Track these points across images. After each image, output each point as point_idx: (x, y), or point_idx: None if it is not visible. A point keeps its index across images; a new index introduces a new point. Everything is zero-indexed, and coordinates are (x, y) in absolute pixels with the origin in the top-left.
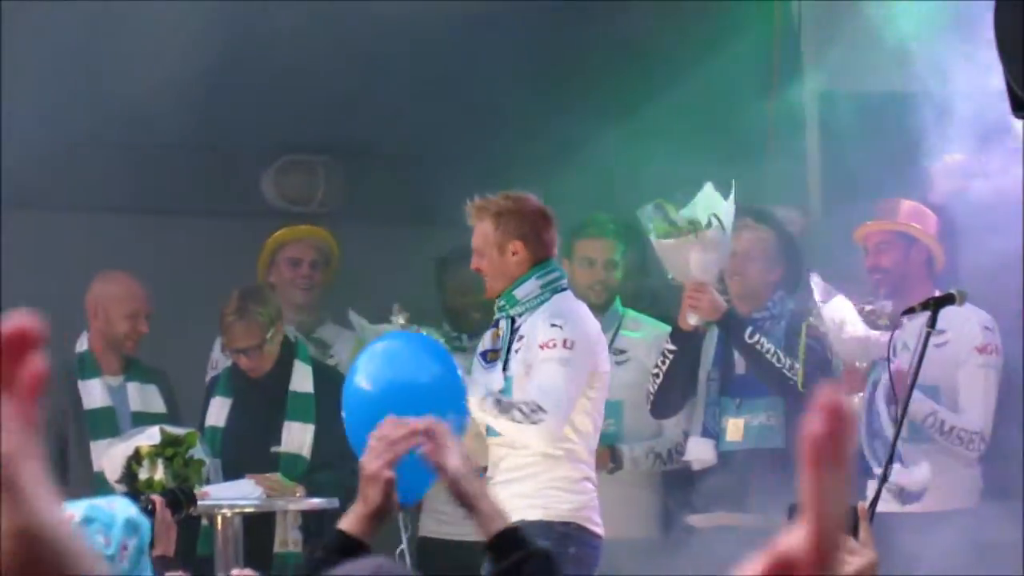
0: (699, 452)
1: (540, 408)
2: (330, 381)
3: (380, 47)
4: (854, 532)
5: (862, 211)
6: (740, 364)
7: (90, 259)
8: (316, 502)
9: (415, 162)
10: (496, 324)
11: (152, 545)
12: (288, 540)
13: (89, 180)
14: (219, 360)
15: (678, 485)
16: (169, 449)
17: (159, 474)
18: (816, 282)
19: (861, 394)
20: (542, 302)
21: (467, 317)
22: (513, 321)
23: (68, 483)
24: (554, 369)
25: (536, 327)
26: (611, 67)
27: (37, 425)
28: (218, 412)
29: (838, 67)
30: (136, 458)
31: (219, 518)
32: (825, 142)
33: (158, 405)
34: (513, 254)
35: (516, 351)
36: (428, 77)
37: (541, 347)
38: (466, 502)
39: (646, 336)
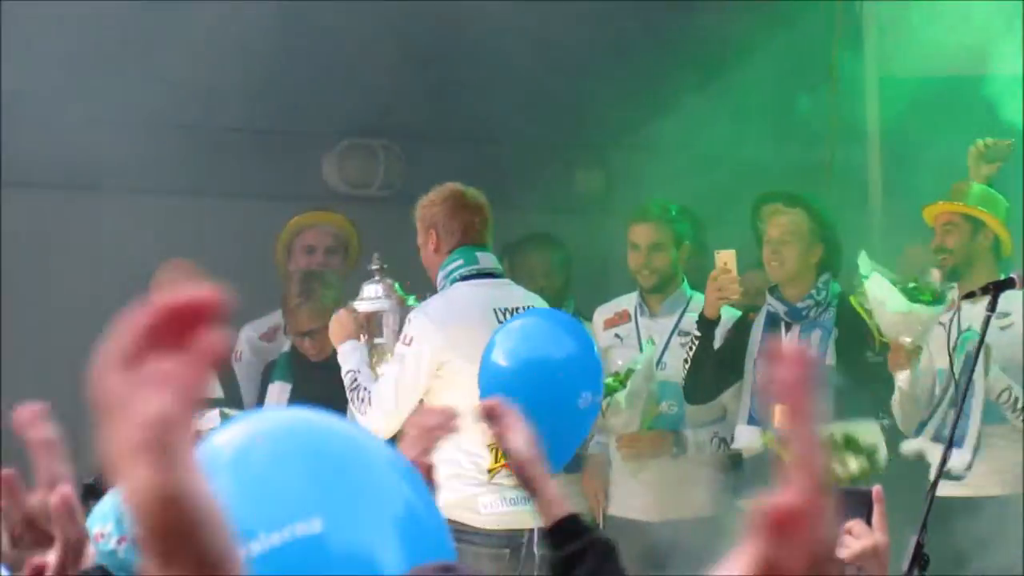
0: (746, 439)
1: (369, 401)
2: None
3: (440, 31)
4: (867, 515)
5: (924, 193)
6: None
7: (152, 243)
8: None
9: (475, 145)
10: None
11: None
12: None
13: (152, 163)
14: (243, 351)
15: (732, 466)
16: None
17: None
18: (863, 259)
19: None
20: (443, 292)
21: None
22: None
23: None
24: (391, 364)
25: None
26: (671, 54)
27: (200, 396)
28: (278, 396)
29: (900, 50)
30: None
31: None
32: (886, 125)
33: (215, 390)
34: (430, 243)
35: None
36: (488, 61)
37: (405, 344)
38: (529, 486)
39: None
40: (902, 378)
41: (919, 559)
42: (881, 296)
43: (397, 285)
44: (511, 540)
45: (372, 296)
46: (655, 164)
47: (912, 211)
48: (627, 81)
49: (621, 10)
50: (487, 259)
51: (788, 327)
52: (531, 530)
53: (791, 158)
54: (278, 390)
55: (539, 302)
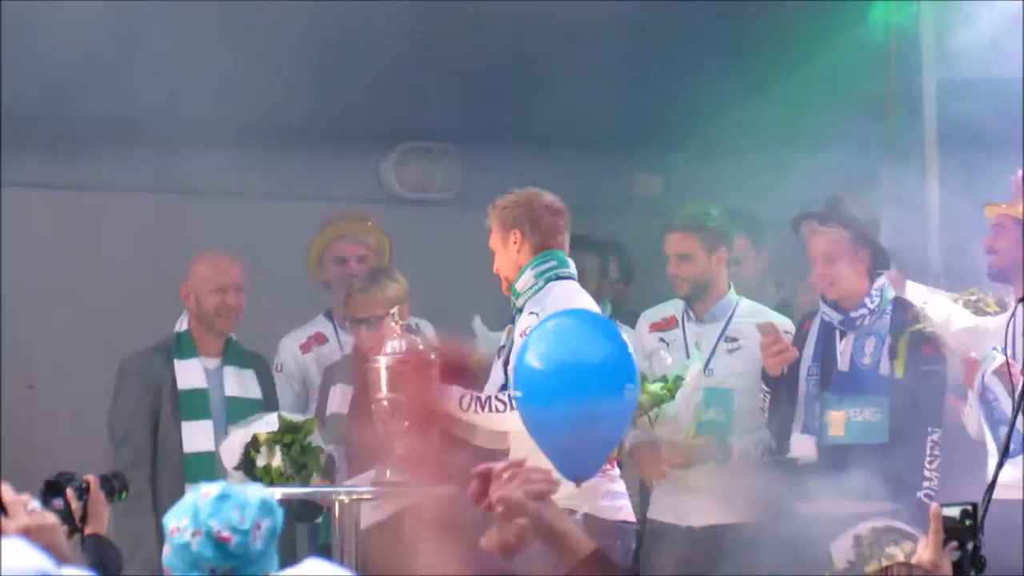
0: (801, 448)
1: (509, 400)
2: None
3: (499, 35)
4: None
5: (980, 194)
6: (843, 361)
7: (209, 245)
8: None
9: (533, 148)
10: (513, 320)
11: (85, 522)
12: None
13: (209, 167)
14: (283, 362)
15: (786, 472)
16: (287, 436)
17: (276, 461)
18: (912, 287)
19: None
20: (538, 290)
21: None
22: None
23: (156, 461)
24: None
25: (521, 319)
26: (728, 56)
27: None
28: (341, 399)
29: (958, 51)
30: (254, 444)
31: (336, 505)
32: (943, 127)
33: (254, 390)
34: (513, 243)
35: (512, 342)
36: (546, 65)
37: (520, 335)
38: (549, 532)
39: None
40: (973, 397)
41: (976, 561)
42: (944, 316)
43: (419, 340)
44: (620, 531)
45: (393, 352)
46: (712, 167)
47: (972, 212)
48: (685, 84)
49: (678, 12)
50: (572, 264)
51: (843, 335)
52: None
53: (847, 160)
54: (340, 392)
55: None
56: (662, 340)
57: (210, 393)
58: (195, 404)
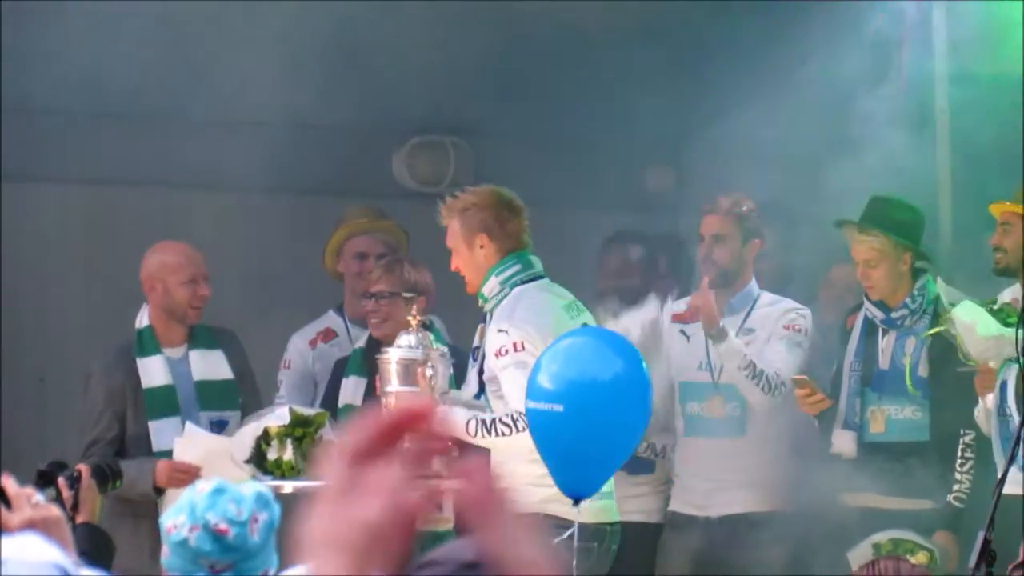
0: (841, 445)
1: (521, 414)
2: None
3: (511, 30)
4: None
5: (992, 192)
6: (884, 359)
7: (219, 238)
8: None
9: (544, 143)
10: (484, 319)
11: (77, 510)
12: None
13: (221, 160)
14: (291, 359)
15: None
16: (299, 429)
17: (288, 454)
18: (942, 286)
19: (991, 395)
20: (503, 297)
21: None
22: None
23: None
24: (514, 374)
25: (490, 333)
26: (739, 54)
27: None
28: (353, 391)
29: (968, 47)
30: (265, 438)
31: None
32: (955, 122)
33: (223, 371)
34: (480, 247)
35: (484, 352)
36: (558, 60)
37: (496, 356)
38: None
39: (772, 316)
40: (990, 400)
41: (986, 555)
42: (970, 321)
43: (433, 337)
44: (598, 534)
45: (407, 345)
46: (726, 162)
47: (981, 208)
48: (698, 80)
49: (692, 9)
50: (537, 262)
51: (885, 333)
52: (612, 524)
53: (859, 156)
54: (353, 383)
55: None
56: (682, 332)
57: (177, 386)
58: (160, 402)
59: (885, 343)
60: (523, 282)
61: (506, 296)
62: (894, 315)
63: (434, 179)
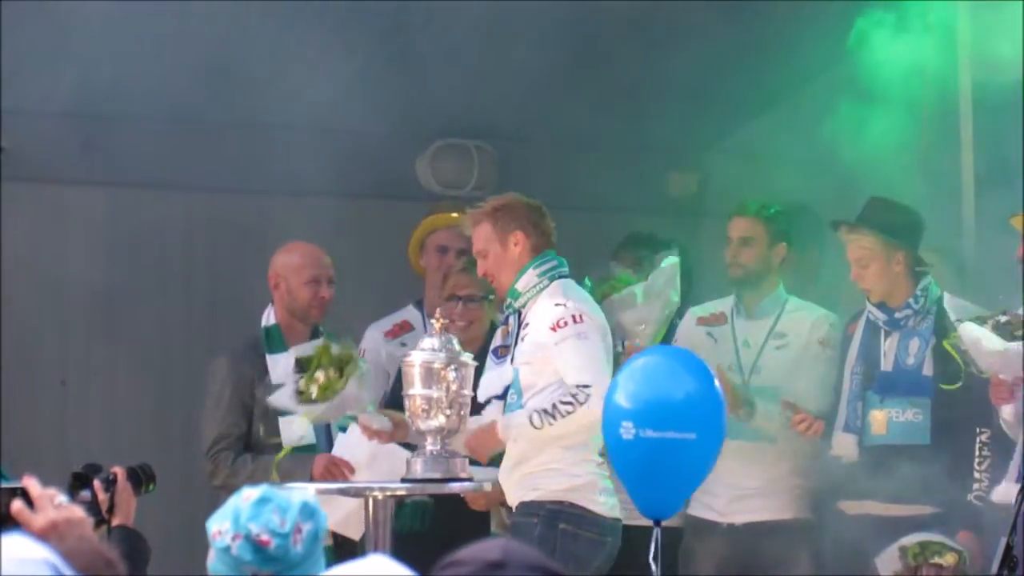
0: (842, 447)
1: (583, 386)
2: None
3: (532, 35)
4: None
5: (1016, 198)
6: (886, 361)
7: (245, 242)
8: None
9: (568, 147)
10: (506, 320)
11: (112, 513)
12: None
13: (247, 163)
14: (366, 348)
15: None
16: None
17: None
18: (949, 301)
19: (1007, 406)
20: (542, 289)
21: None
22: (520, 315)
23: (254, 453)
24: (576, 344)
25: (541, 311)
26: (760, 59)
27: None
28: None
29: (993, 53)
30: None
31: (370, 500)
32: (979, 127)
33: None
34: (515, 245)
35: (522, 339)
36: (581, 63)
37: (552, 329)
38: None
39: (803, 322)
40: (1007, 411)
41: (1008, 561)
42: (976, 335)
43: (456, 341)
44: (613, 529)
45: (430, 348)
46: (744, 166)
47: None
48: (721, 85)
49: (719, 11)
50: (566, 263)
51: (887, 335)
52: (619, 521)
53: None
54: None
55: None
56: (709, 335)
57: None
58: None
59: (888, 345)
60: (560, 277)
61: (545, 288)
62: (897, 316)
63: (458, 182)
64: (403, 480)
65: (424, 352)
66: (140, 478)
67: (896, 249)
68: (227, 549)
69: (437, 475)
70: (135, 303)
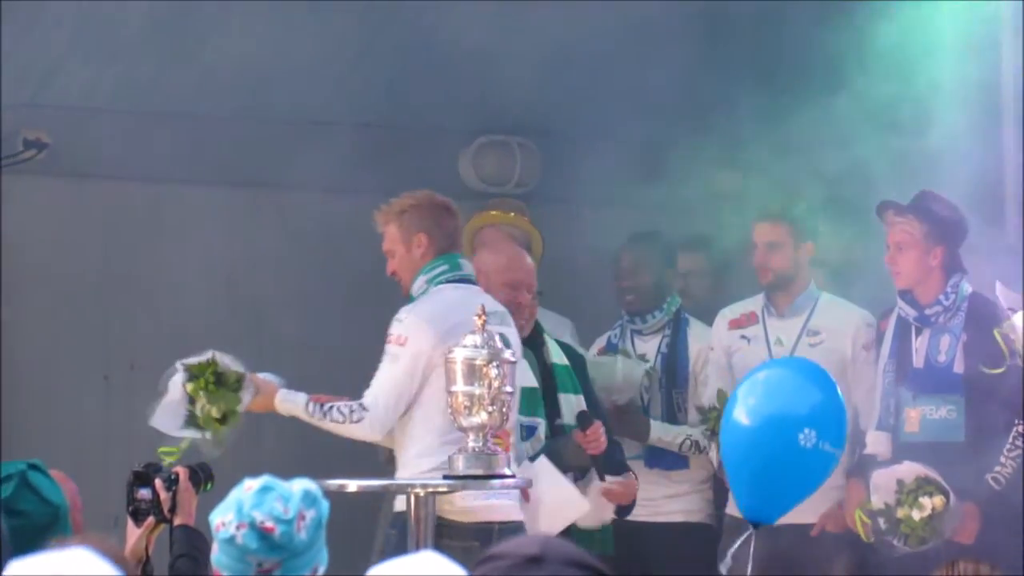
0: (876, 445)
1: (363, 407)
2: (576, 355)
3: (577, 28)
4: None
5: None
6: (918, 357)
7: (288, 239)
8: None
9: (610, 143)
10: None
11: (175, 512)
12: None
13: (290, 160)
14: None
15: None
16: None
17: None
18: (1001, 290)
19: None
20: (422, 296)
21: (621, 299)
22: None
23: None
24: (384, 365)
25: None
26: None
27: None
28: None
29: None
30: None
31: (412, 497)
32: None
33: (528, 379)
34: (417, 247)
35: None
36: (626, 58)
37: (386, 341)
38: None
39: (839, 319)
40: None
41: None
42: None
43: (499, 337)
44: (480, 533)
45: (472, 345)
46: (779, 163)
47: None
48: (763, 81)
49: (764, 8)
50: (467, 265)
51: (918, 332)
52: (499, 523)
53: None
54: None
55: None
56: (743, 337)
57: None
58: None
59: (919, 342)
60: (447, 282)
61: (424, 294)
62: (927, 312)
63: (500, 179)
64: (445, 477)
65: (466, 349)
66: (199, 477)
67: (937, 243)
68: (232, 539)
69: (479, 472)
70: (180, 299)
